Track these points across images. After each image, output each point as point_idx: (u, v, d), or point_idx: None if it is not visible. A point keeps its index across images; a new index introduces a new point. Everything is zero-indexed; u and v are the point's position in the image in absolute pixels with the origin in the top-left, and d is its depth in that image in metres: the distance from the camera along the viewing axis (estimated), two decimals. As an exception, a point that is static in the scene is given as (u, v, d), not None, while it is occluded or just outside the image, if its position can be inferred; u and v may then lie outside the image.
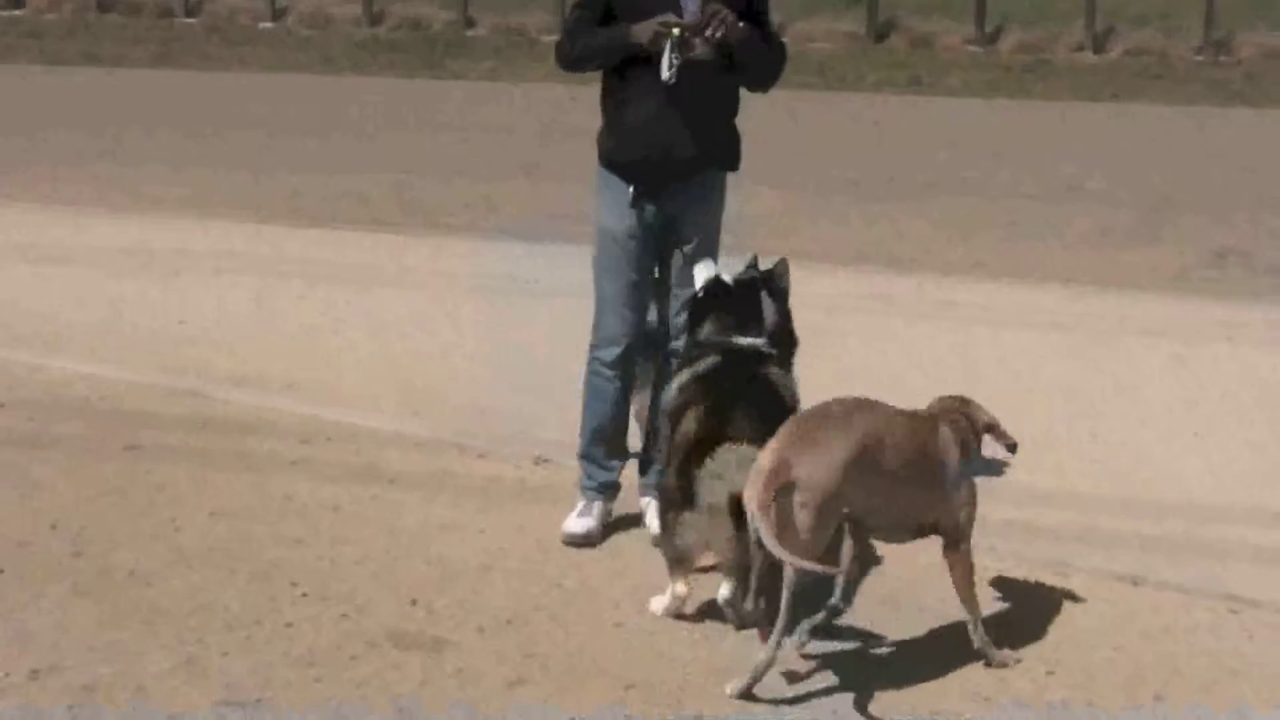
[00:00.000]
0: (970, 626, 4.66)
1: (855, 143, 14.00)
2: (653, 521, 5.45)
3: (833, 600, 4.54)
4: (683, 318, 5.40)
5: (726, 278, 5.32)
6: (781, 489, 4.35)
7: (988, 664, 4.64)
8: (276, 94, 17.09)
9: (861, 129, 14.72)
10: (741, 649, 4.77)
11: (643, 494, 5.71)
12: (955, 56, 18.10)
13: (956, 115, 15.33)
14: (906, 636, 4.78)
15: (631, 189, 5.41)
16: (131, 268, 9.54)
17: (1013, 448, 4.79)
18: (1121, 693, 4.53)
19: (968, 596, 4.66)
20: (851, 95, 16.47)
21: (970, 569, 4.67)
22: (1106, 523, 5.66)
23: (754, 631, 4.85)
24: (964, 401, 4.86)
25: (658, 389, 5.55)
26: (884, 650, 4.72)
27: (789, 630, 4.45)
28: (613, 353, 5.52)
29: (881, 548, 5.47)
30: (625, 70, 5.36)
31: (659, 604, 4.98)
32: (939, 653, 4.73)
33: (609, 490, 5.65)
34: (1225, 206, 10.98)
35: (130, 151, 13.61)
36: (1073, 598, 5.11)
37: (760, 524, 4.34)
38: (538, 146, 13.59)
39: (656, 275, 5.61)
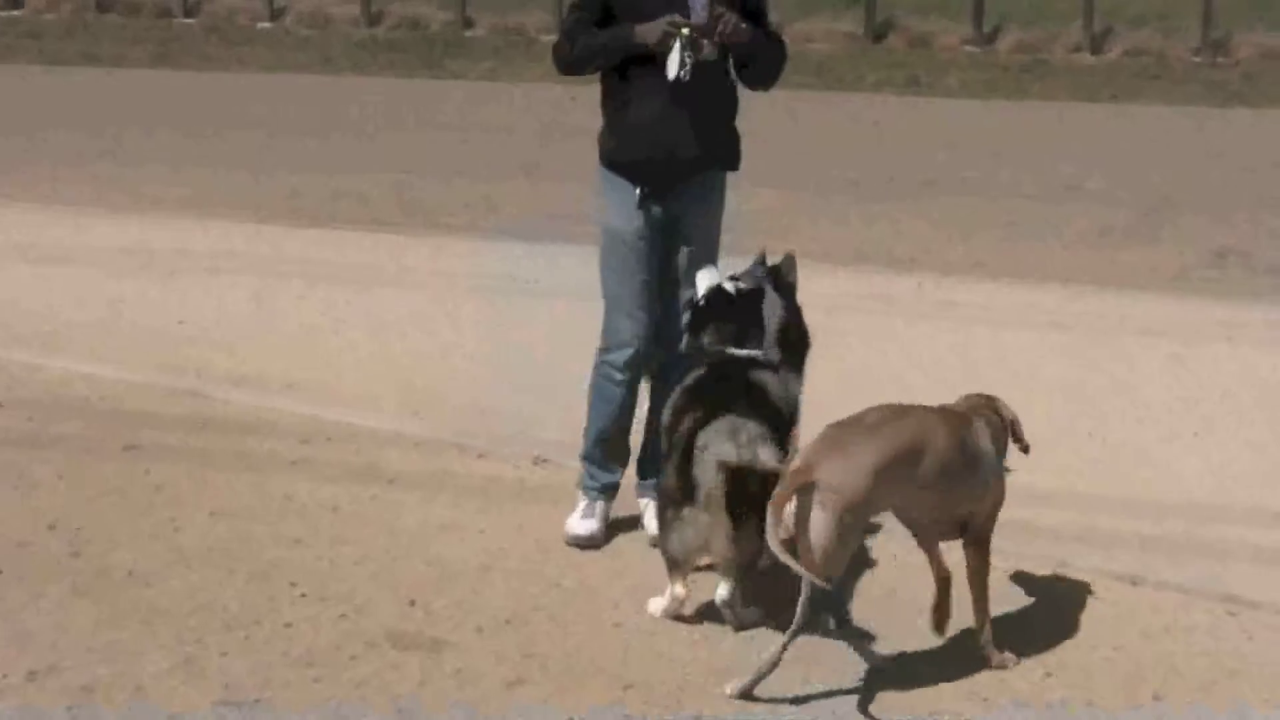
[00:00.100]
0: (976, 623, 4.66)
1: (854, 143, 14.00)
2: (651, 523, 5.45)
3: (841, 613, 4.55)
4: (685, 318, 5.40)
5: (729, 287, 5.31)
6: (802, 490, 4.35)
7: (988, 663, 4.64)
8: (275, 94, 17.09)
9: (860, 129, 14.72)
10: (740, 650, 4.77)
11: (641, 495, 5.71)
12: (953, 57, 18.10)
13: (955, 115, 15.33)
14: (905, 637, 4.78)
15: (638, 190, 5.40)
16: (131, 268, 9.54)
17: (1026, 449, 4.82)
18: (1120, 693, 4.53)
19: (980, 594, 4.68)
20: (850, 95, 16.47)
21: (988, 565, 4.69)
22: (1106, 523, 5.66)
23: (753, 632, 4.86)
24: (990, 399, 4.90)
25: (657, 391, 5.54)
26: (883, 650, 4.71)
27: (798, 633, 4.44)
28: (625, 355, 5.49)
29: (877, 549, 5.48)
30: (627, 70, 5.36)
31: (657, 605, 4.98)
32: (938, 653, 4.73)
33: (611, 491, 5.65)
34: (1224, 206, 10.99)
35: (129, 151, 13.61)
36: (1072, 598, 5.11)
37: (769, 520, 4.34)
38: (537, 146, 13.59)
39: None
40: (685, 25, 5.22)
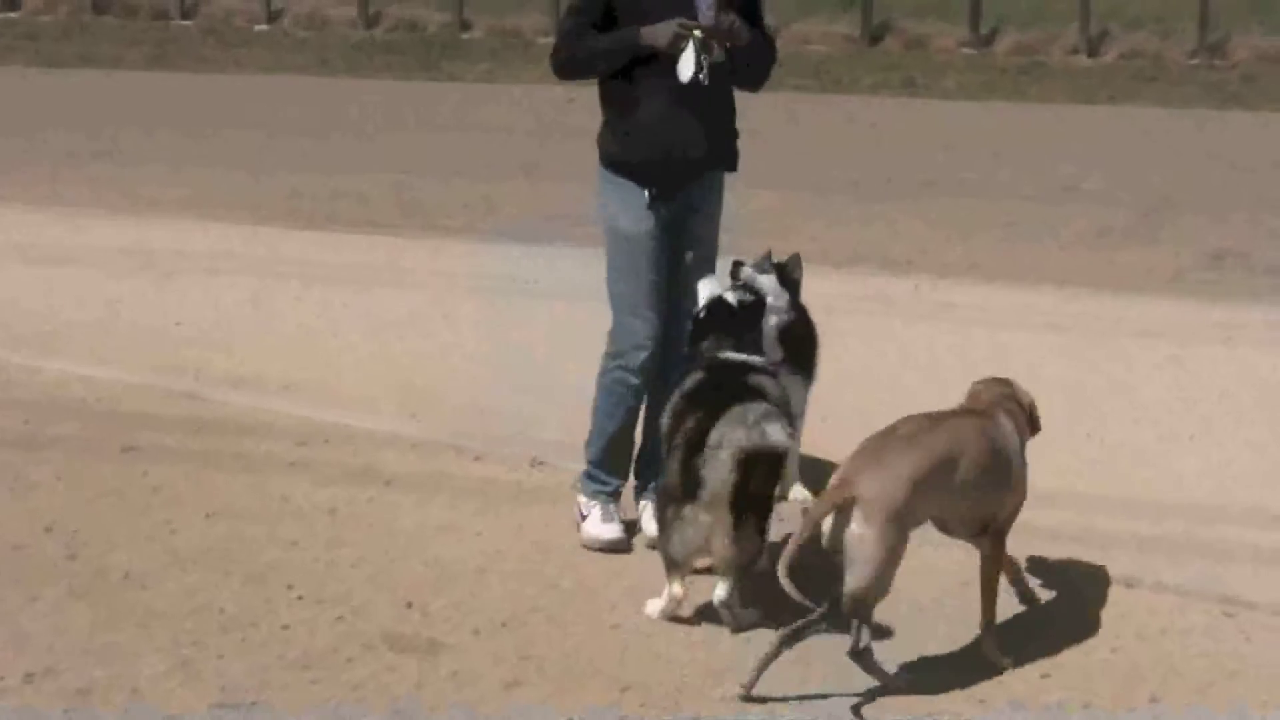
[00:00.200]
0: (983, 616, 4.68)
1: (852, 144, 14.00)
2: (649, 525, 5.44)
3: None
4: (688, 328, 5.40)
5: (730, 297, 5.33)
6: (842, 506, 4.35)
7: (985, 655, 4.63)
8: (273, 96, 17.08)
9: (857, 130, 14.72)
10: (738, 651, 4.77)
11: (639, 497, 5.70)
12: (950, 59, 18.08)
13: (952, 117, 15.32)
14: (903, 637, 4.77)
15: (646, 192, 5.39)
16: (129, 269, 9.53)
17: (1037, 431, 4.91)
18: (1118, 694, 4.53)
19: (990, 586, 4.70)
20: (847, 97, 16.46)
21: (1001, 558, 4.74)
22: (1103, 523, 5.65)
23: (751, 634, 4.85)
24: (1005, 383, 4.94)
25: (656, 393, 5.53)
26: (880, 651, 4.70)
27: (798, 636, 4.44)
28: (639, 357, 5.46)
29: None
30: (631, 72, 5.35)
31: (655, 607, 4.98)
32: (935, 653, 4.72)
33: (619, 494, 5.62)
34: (1222, 208, 10.98)
35: (127, 153, 13.59)
36: (1069, 599, 5.11)
37: (798, 533, 4.33)
38: (535, 147, 13.58)
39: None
40: (696, 27, 5.23)
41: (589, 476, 5.63)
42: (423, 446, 6.52)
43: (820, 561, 4.46)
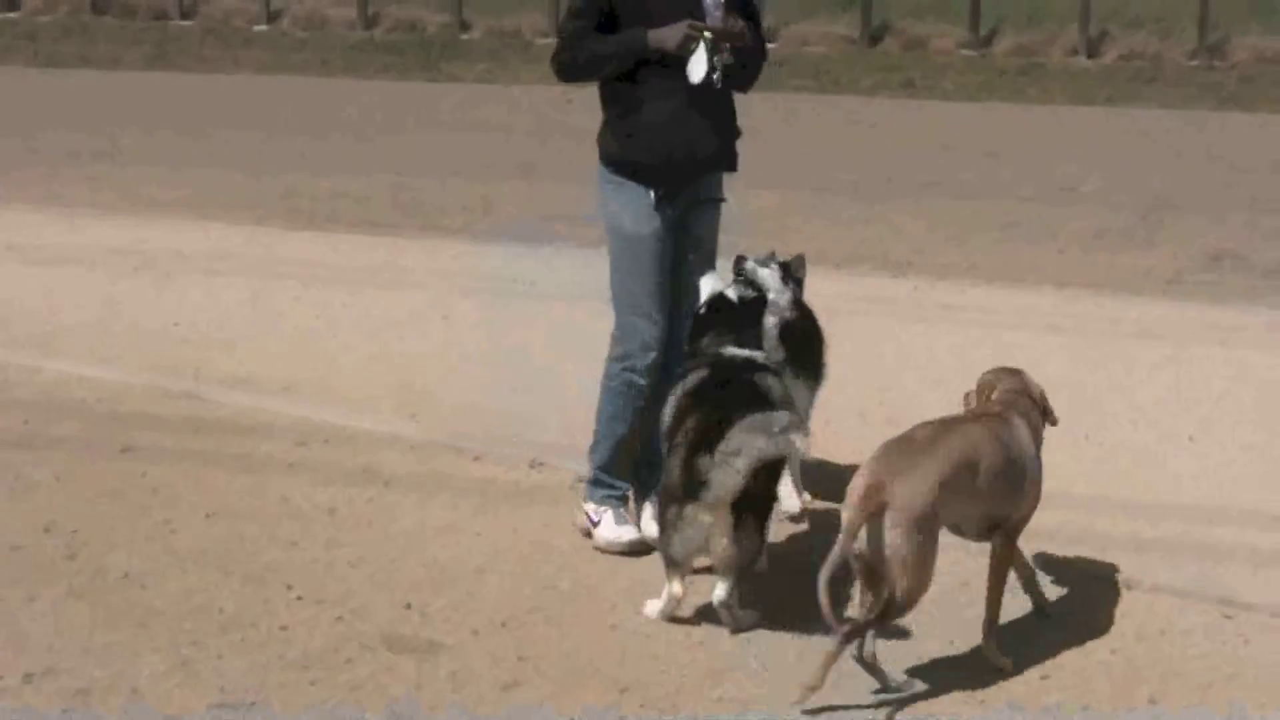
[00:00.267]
0: (985, 618, 4.69)
1: (851, 145, 14.00)
2: (649, 525, 5.44)
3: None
4: (688, 324, 5.40)
5: (731, 294, 5.33)
6: (874, 512, 4.36)
7: (986, 653, 4.63)
8: (272, 96, 17.08)
9: (857, 131, 14.72)
10: (737, 652, 4.78)
11: (639, 499, 5.69)
12: (949, 59, 18.09)
13: (951, 118, 15.33)
14: (901, 639, 4.77)
15: (652, 193, 5.39)
16: (127, 269, 9.53)
17: (1054, 422, 4.94)
18: (1117, 696, 4.53)
19: (997, 589, 4.72)
20: (846, 98, 16.47)
21: (1011, 559, 4.77)
22: (1102, 525, 5.66)
23: (749, 635, 4.86)
24: (1015, 373, 4.96)
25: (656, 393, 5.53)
26: (879, 649, 4.70)
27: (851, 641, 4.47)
28: (646, 359, 5.44)
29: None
30: (635, 72, 5.34)
31: (654, 607, 4.98)
32: (934, 655, 4.73)
33: (628, 498, 5.59)
34: (1220, 209, 10.99)
35: (126, 153, 13.60)
36: (1068, 600, 5.11)
37: (840, 541, 4.33)
38: (533, 148, 13.59)
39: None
40: (706, 29, 5.24)
41: (596, 483, 5.59)
42: (422, 447, 6.52)
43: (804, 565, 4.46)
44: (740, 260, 5.77)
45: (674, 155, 5.35)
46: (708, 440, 4.84)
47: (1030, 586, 5.01)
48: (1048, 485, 4.83)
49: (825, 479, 5.84)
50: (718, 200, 5.59)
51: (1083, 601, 5.11)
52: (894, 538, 4.35)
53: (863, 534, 4.36)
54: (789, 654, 4.76)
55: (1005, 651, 4.68)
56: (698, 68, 5.24)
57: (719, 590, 4.88)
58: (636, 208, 5.40)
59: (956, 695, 4.52)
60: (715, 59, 5.25)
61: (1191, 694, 4.54)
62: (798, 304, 5.79)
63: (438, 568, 5.38)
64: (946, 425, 4.68)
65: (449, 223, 10.98)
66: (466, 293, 8.93)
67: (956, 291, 8.99)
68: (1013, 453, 4.69)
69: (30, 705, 4.44)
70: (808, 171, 12.39)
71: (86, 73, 18.95)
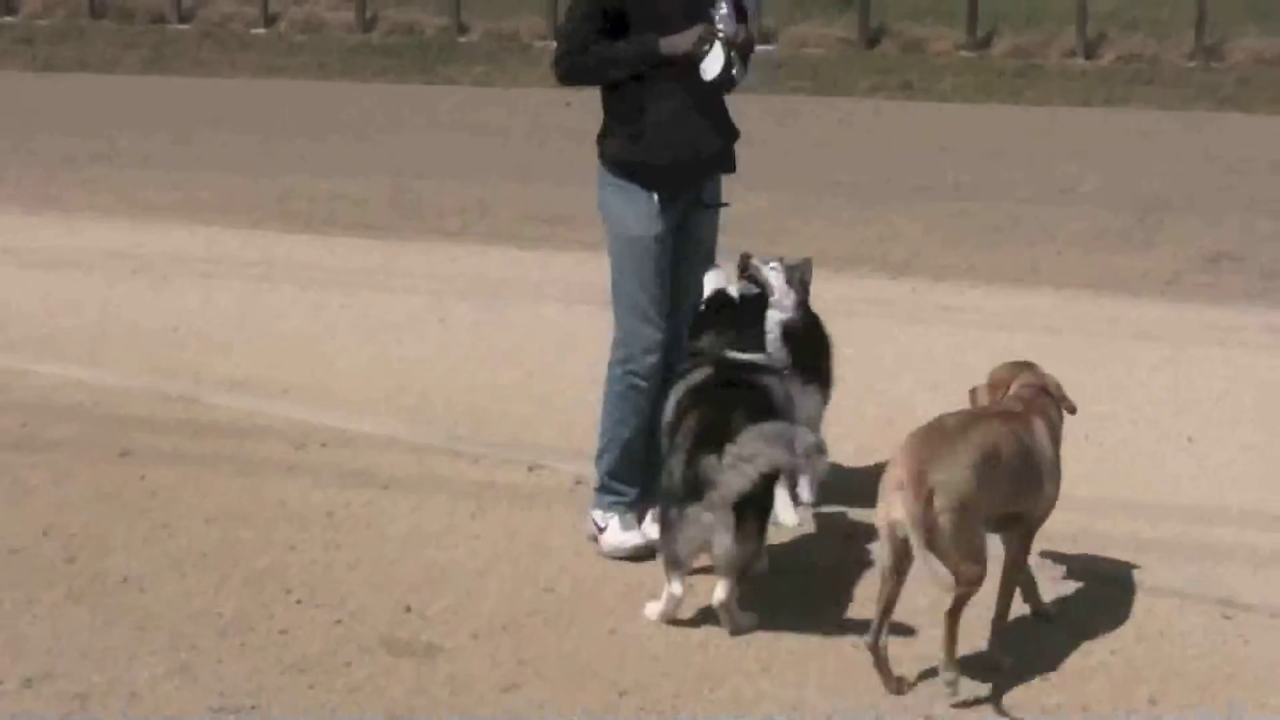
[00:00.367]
0: (995, 613, 4.70)
1: (849, 146, 14.00)
2: (651, 528, 5.42)
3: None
4: (689, 321, 5.40)
5: (732, 291, 5.33)
6: (926, 500, 4.35)
7: (991, 656, 4.62)
8: (269, 99, 17.08)
9: (854, 133, 14.72)
10: (736, 655, 4.77)
11: (643, 501, 5.66)
12: (947, 61, 18.09)
13: (949, 119, 15.33)
14: (899, 641, 4.77)
15: (656, 196, 5.38)
16: (125, 272, 9.53)
17: (1073, 410, 4.93)
18: (1116, 697, 4.53)
19: (1010, 583, 4.74)
20: (844, 99, 16.47)
21: (1024, 560, 4.81)
22: (1101, 525, 5.65)
23: (749, 637, 4.85)
24: (1029, 368, 4.97)
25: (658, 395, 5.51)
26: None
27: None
28: (649, 362, 5.42)
29: (872, 553, 5.47)
30: (641, 75, 5.34)
31: (654, 610, 4.97)
32: (932, 657, 4.72)
33: (635, 504, 5.55)
34: (1218, 210, 10.99)
35: (123, 156, 13.59)
36: (1067, 601, 5.11)
37: (914, 537, 4.32)
38: (531, 150, 13.59)
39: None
40: (718, 32, 5.25)
41: (604, 489, 5.55)
42: (420, 449, 6.51)
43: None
44: (745, 259, 5.76)
45: (679, 156, 5.35)
46: (712, 441, 4.83)
47: (1029, 590, 5.00)
48: (1049, 486, 4.83)
49: (825, 481, 5.83)
50: (719, 205, 5.59)
51: (1082, 602, 5.11)
52: (945, 523, 4.35)
53: (904, 524, 4.35)
54: (788, 656, 4.75)
55: (1007, 650, 4.68)
56: (714, 64, 5.24)
57: (718, 592, 4.87)
58: (639, 210, 5.39)
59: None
60: (732, 54, 5.27)
61: (1191, 695, 4.54)
62: (804, 307, 5.76)
63: (436, 570, 5.37)
64: (974, 416, 4.71)
65: (447, 225, 10.97)
66: (464, 295, 8.93)
67: (955, 293, 8.99)
68: (1034, 453, 4.70)
69: (29, 710, 4.44)
70: (806, 173, 12.39)
71: (84, 76, 18.95)
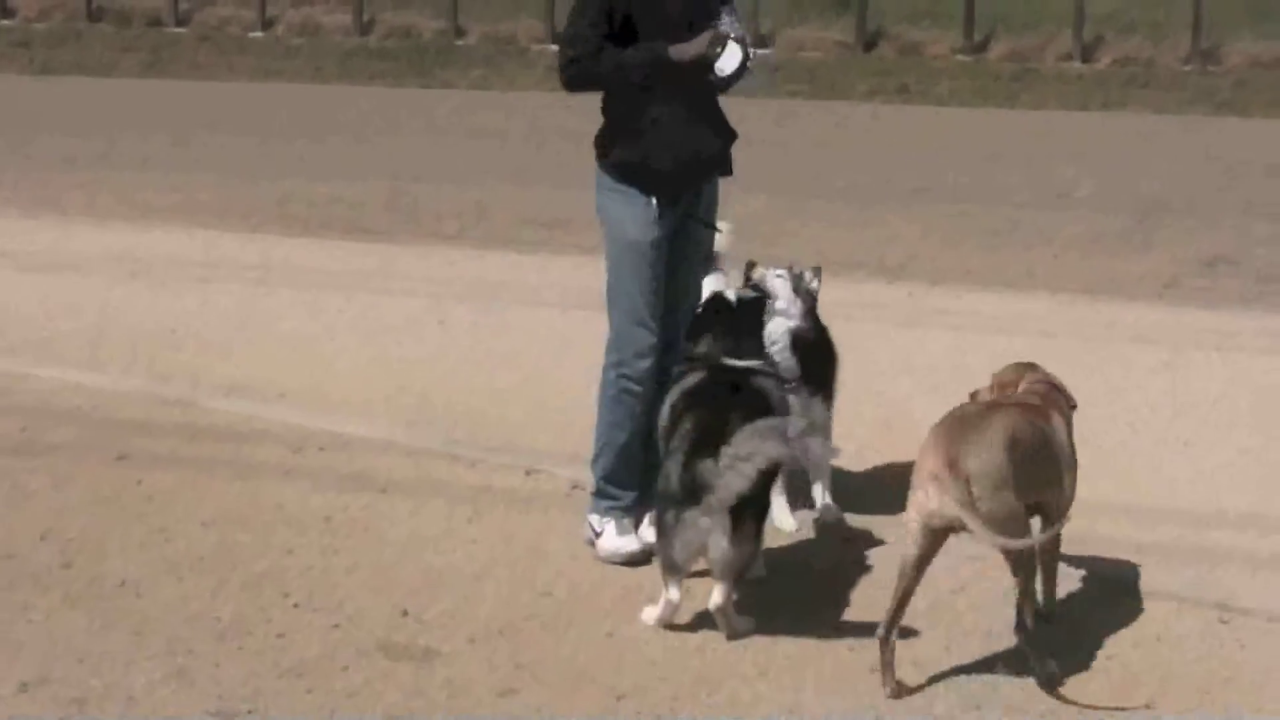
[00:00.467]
0: (1044, 597, 4.78)
1: (845, 150, 14.01)
2: (647, 532, 5.43)
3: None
4: (686, 325, 5.40)
5: (730, 294, 5.33)
6: (964, 486, 4.37)
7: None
8: (267, 102, 17.07)
9: (851, 136, 14.73)
10: (733, 659, 4.77)
11: (639, 506, 5.66)
12: (944, 65, 18.09)
13: (946, 123, 15.34)
14: (899, 645, 4.76)
15: (654, 200, 5.38)
16: (122, 275, 9.53)
17: (1074, 406, 4.98)
18: (1113, 701, 4.53)
19: (1051, 572, 4.87)
20: (841, 103, 16.47)
21: (1059, 548, 4.91)
22: (1098, 529, 5.64)
23: (745, 641, 4.85)
24: (1033, 368, 5.01)
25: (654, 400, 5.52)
26: (874, 655, 4.70)
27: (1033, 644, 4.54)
28: (642, 365, 5.42)
29: (869, 556, 5.48)
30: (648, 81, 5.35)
31: (651, 614, 4.97)
32: (930, 660, 4.72)
33: (632, 508, 5.55)
34: (1215, 214, 11.00)
35: (121, 159, 13.58)
36: (1065, 605, 5.11)
37: (966, 518, 4.34)
38: (528, 153, 13.59)
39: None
40: (727, 35, 5.27)
41: (600, 494, 5.55)
42: (417, 453, 6.51)
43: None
44: (750, 266, 5.74)
45: (680, 158, 5.35)
46: (709, 444, 4.83)
47: (1026, 601, 4.98)
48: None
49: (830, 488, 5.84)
50: (713, 206, 5.59)
51: (1079, 605, 5.11)
52: (985, 509, 4.36)
53: (941, 510, 4.36)
54: (785, 660, 4.76)
55: (985, 652, 4.69)
56: (731, 61, 5.24)
57: (715, 596, 4.87)
58: (639, 214, 5.39)
59: (952, 699, 4.52)
60: (749, 50, 5.28)
61: (1188, 699, 4.54)
62: (810, 316, 5.73)
63: (434, 574, 5.37)
64: (993, 405, 4.75)
65: (444, 228, 10.97)
66: (461, 298, 8.93)
67: (952, 296, 9.00)
68: (1054, 443, 4.75)
69: (26, 714, 4.43)
70: (803, 176, 12.39)
71: (81, 79, 18.94)
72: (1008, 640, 4.77)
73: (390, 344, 8.14)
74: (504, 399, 7.22)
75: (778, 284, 5.67)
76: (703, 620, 4.94)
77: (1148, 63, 17.65)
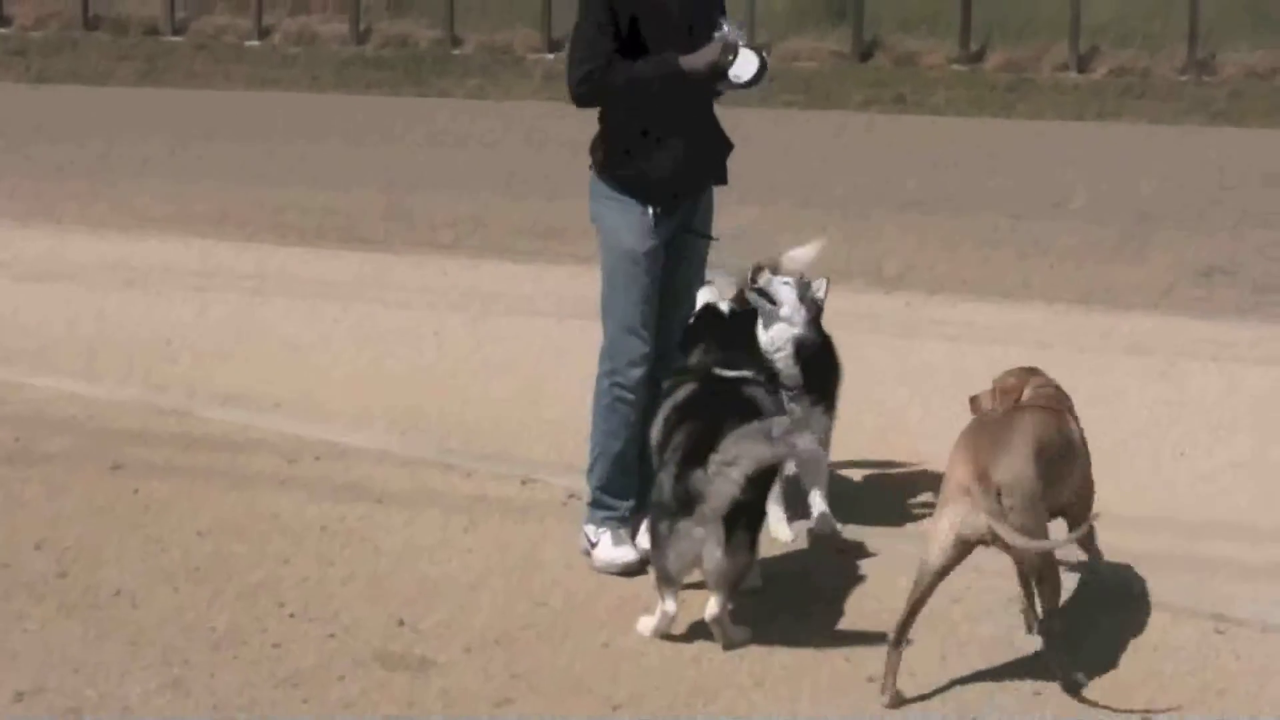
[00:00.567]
0: (1046, 611, 4.76)
1: (841, 159, 14.02)
2: (644, 540, 5.42)
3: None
4: (680, 336, 5.40)
5: (722, 306, 5.32)
6: (995, 498, 4.38)
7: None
8: (263, 111, 17.07)
9: (847, 145, 14.74)
10: (729, 669, 4.77)
11: (635, 515, 5.66)
12: (940, 74, 18.11)
13: (942, 133, 15.35)
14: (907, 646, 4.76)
15: (651, 209, 5.38)
16: (117, 284, 9.52)
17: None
18: (1108, 711, 4.52)
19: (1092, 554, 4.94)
20: (837, 112, 16.49)
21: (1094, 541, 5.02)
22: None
23: (742, 652, 4.85)
24: (1037, 373, 5.03)
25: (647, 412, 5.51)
26: (871, 665, 4.70)
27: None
28: (635, 374, 5.42)
29: (865, 566, 5.48)
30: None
31: (647, 625, 4.97)
32: (926, 667, 4.72)
33: (628, 518, 5.53)
34: (1211, 224, 11.01)
35: (116, 168, 13.58)
36: (1059, 615, 5.10)
37: (1001, 531, 4.35)
38: (524, 162, 13.59)
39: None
40: (738, 41, 5.28)
41: (596, 504, 5.54)
42: (413, 463, 6.51)
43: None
44: (758, 269, 5.71)
45: (678, 166, 5.35)
46: (699, 454, 4.83)
47: (1027, 600, 5.00)
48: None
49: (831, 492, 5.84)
50: (708, 215, 5.60)
51: (1074, 616, 5.10)
52: (1016, 519, 4.37)
53: (970, 520, 4.37)
54: (782, 670, 4.75)
55: (983, 662, 4.69)
56: (748, 67, 5.24)
57: (711, 606, 4.87)
58: (635, 224, 5.39)
59: (947, 709, 4.52)
60: (763, 54, 5.28)
61: (1183, 709, 4.53)
62: (815, 327, 5.69)
63: (429, 584, 5.37)
64: (1014, 411, 4.76)
65: (439, 238, 10.97)
66: (456, 308, 8.93)
67: (948, 306, 9.01)
68: (1070, 445, 4.78)
69: (21, 724, 4.43)
70: (798, 186, 12.40)
71: (77, 88, 18.93)
72: (1004, 650, 4.77)
73: (386, 353, 8.14)
74: (499, 408, 7.22)
75: (784, 291, 5.63)
76: (699, 630, 4.94)
77: (1144, 73, 17.67)
